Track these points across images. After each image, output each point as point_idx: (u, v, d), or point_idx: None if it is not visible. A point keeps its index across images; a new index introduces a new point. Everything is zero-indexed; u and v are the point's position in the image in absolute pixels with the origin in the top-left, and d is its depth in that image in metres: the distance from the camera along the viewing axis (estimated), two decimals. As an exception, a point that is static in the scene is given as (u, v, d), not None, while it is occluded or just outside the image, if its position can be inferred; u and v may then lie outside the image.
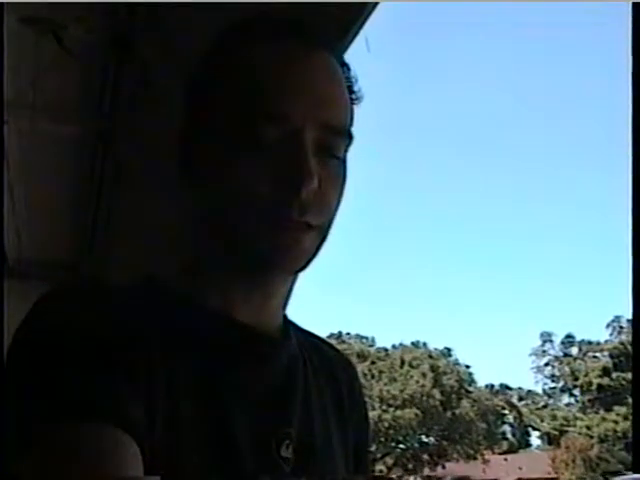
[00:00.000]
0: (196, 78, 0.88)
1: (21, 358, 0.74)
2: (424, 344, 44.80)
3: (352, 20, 1.43)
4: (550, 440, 43.75)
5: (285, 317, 0.96)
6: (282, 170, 0.79)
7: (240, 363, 0.86)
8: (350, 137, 0.86)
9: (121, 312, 0.78)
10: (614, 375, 41.87)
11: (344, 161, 0.87)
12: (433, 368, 39.20)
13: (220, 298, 0.87)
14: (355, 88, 0.89)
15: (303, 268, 0.86)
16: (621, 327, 44.61)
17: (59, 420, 0.66)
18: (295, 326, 0.99)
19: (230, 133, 0.82)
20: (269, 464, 0.83)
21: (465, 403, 39.01)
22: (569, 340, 49.25)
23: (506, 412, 48.55)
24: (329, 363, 1.02)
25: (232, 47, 0.86)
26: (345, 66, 0.89)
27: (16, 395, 0.71)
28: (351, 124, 0.88)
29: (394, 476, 35.78)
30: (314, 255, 0.86)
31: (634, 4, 1.02)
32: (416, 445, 38.77)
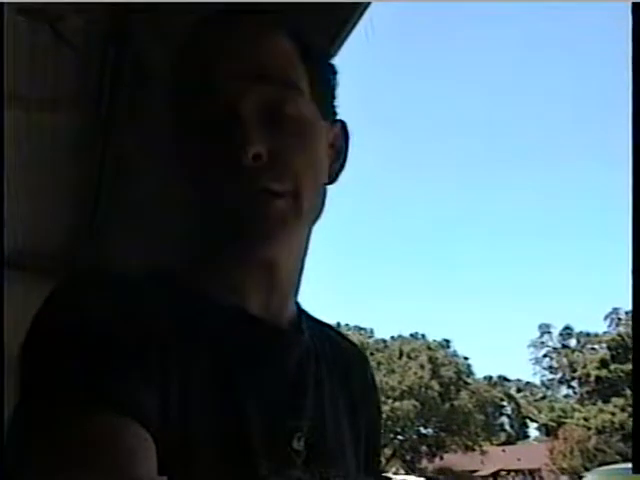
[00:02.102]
0: (172, 69, 0.90)
1: (37, 350, 0.74)
2: (423, 336, 44.94)
3: (348, 13, 1.43)
4: (548, 431, 43.90)
5: (298, 307, 0.95)
6: (225, 141, 0.80)
7: (252, 356, 0.85)
8: (299, 90, 0.85)
9: (135, 305, 0.78)
10: (612, 367, 41.98)
11: (309, 120, 0.86)
12: (431, 359, 39.34)
13: (229, 288, 0.86)
14: (317, 51, 0.90)
15: (282, 233, 0.83)
16: (619, 319, 44.72)
17: (74, 411, 0.66)
18: (308, 316, 0.98)
19: (186, 115, 0.84)
20: (281, 457, 0.83)
21: (463, 394, 39.17)
22: (567, 332, 49.38)
23: (504, 403, 48.75)
24: (342, 355, 1.01)
25: (188, 36, 0.88)
26: (297, 31, 0.88)
27: (31, 387, 0.71)
28: (321, 83, 0.88)
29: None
30: (298, 223, 0.85)
31: (634, 4, 1.01)
32: (414, 436, 38.94)
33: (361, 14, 1.47)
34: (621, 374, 40.08)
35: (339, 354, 1.01)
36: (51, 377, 0.70)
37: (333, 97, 0.92)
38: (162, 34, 1.83)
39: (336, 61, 1.00)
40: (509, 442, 46.36)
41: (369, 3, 1.44)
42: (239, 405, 0.81)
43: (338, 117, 0.94)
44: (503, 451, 41.99)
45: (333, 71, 0.93)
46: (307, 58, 0.87)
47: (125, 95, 2.24)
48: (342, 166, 0.93)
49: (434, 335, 46.08)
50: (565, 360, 47.69)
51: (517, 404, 49.11)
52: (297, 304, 0.95)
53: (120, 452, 0.65)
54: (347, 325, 49.28)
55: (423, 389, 37.68)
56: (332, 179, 0.92)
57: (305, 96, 0.85)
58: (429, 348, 41.57)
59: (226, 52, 0.83)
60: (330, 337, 1.02)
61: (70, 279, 0.83)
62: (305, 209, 0.84)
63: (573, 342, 48.95)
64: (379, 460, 1.09)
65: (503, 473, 40.02)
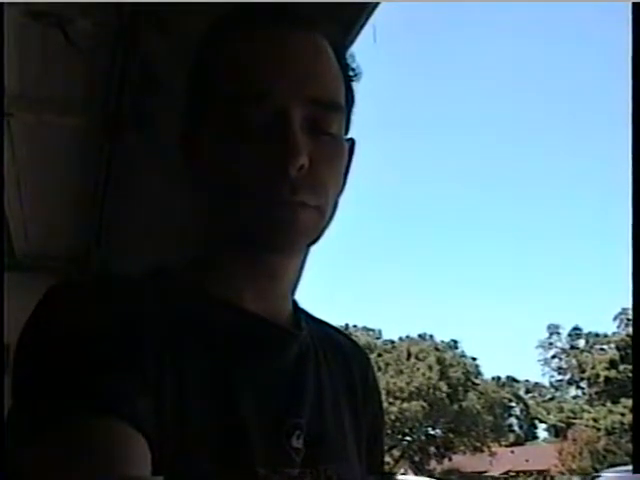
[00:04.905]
0: (191, 68, 0.90)
1: (30, 351, 0.74)
2: (431, 336, 44.87)
3: (355, 14, 1.43)
4: (557, 432, 43.77)
5: (296, 305, 0.95)
6: (269, 150, 0.79)
7: (250, 353, 0.85)
8: (343, 111, 0.86)
9: (129, 305, 0.78)
10: (621, 367, 41.84)
11: (342, 138, 0.88)
12: (440, 360, 39.22)
13: (227, 287, 0.86)
14: (351, 65, 0.90)
15: (301, 246, 0.86)
16: (628, 319, 44.45)
17: (68, 413, 0.66)
18: (307, 315, 0.98)
19: (220, 119, 0.82)
20: (280, 455, 0.83)
21: (472, 395, 39.05)
22: (576, 332, 49.22)
23: (513, 404, 48.60)
24: (342, 353, 1.01)
25: (218, 37, 0.87)
26: (337, 45, 0.89)
27: (24, 388, 0.71)
28: (351, 101, 0.89)
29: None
30: (316, 236, 0.86)
31: (634, 4, 1.01)
32: (423, 437, 38.82)
33: (368, 16, 1.47)
34: (630, 375, 39.81)
35: (339, 352, 1.01)
36: (43, 379, 0.69)
37: (351, 115, 0.92)
38: (171, 36, 1.84)
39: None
40: (518, 443, 46.18)
41: (377, 4, 1.45)
42: (237, 404, 0.81)
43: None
44: (512, 452, 41.83)
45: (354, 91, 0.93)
46: (345, 77, 0.88)
47: (133, 98, 2.25)
48: (345, 182, 0.93)
49: (442, 336, 46.05)
50: (574, 361, 47.53)
51: (526, 405, 48.97)
52: (295, 303, 0.95)
53: (112, 453, 0.64)
54: (355, 326, 49.25)
55: (431, 390, 37.57)
56: None
57: (343, 115, 0.87)
58: (437, 349, 41.46)
59: (281, 64, 0.82)
60: (330, 335, 1.02)
61: (65, 281, 0.82)
62: (326, 222, 0.86)
63: (582, 343, 48.77)
64: (382, 460, 1.09)
65: (512, 474, 39.88)
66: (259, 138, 0.80)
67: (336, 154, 0.86)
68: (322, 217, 0.85)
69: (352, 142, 0.94)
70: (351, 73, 0.90)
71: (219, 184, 0.83)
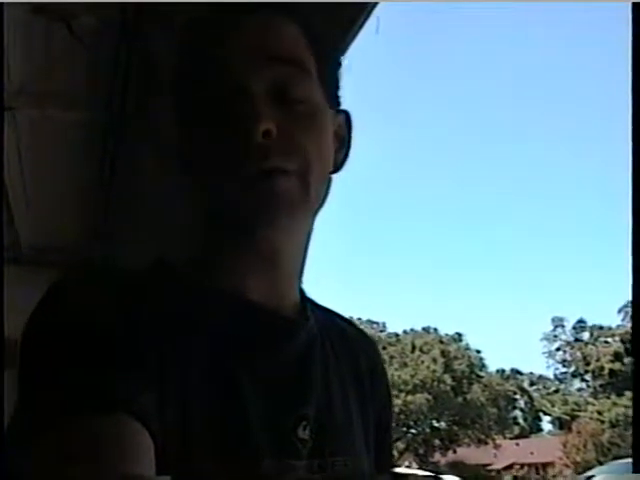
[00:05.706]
0: (179, 50, 0.91)
1: (34, 347, 0.74)
2: (435, 329, 44.84)
3: (354, 14, 1.44)
4: (561, 425, 43.71)
5: (303, 294, 0.94)
6: (234, 119, 0.80)
7: (255, 344, 0.85)
8: (310, 75, 0.86)
9: (132, 299, 0.78)
10: (626, 360, 41.72)
11: (317, 104, 0.87)
12: (444, 353, 39.24)
13: (230, 279, 0.86)
14: (320, 41, 0.90)
15: (290, 216, 0.83)
16: (633, 312, 44.35)
17: (73, 410, 0.66)
18: (314, 303, 0.96)
19: (197, 105, 0.84)
20: (286, 446, 0.82)
21: (476, 388, 39.07)
22: (581, 325, 49.11)
23: (517, 397, 48.54)
24: (350, 341, 1.00)
25: (197, 35, 0.89)
26: (315, 33, 0.89)
27: (29, 385, 0.71)
28: (334, 74, 0.91)
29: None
30: (306, 206, 0.85)
31: (634, 4, 1.01)
32: (427, 430, 38.87)
33: (369, 13, 1.48)
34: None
35: (347, 342, 0.99)
36: (48, 375, 0.69)
37: (338, 87, 0.92)
38: (173, 32, 1.85)
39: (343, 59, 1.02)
40: (522, 435, 46.10)
41: (376, 3, 1.46)
42: (242, 395, 0.81)
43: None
44: (517, 445, 41.82)
45: (339, 62, 0.93)
46: (315, 45, 0.88)
47: (137, 94, 2.26)
48: (346, 156, 0.93)
49: (446, 329, 45.97)
50: (578, 353, 47.45)
51: (530, 397, 48.91)
52: (302, 291, 0.93)
53: (116, 449, 0.64)
54: (359, 319, 49.15)
55: (436, 383, 37.61)
56: (336, 168, 0.92)
57: (313, 79, 0.86)
58: (441, 342, 41.46)
59: (237, 32, 0.83)
60: (337, 325, 1.01)
61: (68, 275, 0.83)
62: (312, 192, 0.84)
63: (586, 335, 48.66)
64: (391, 452, 1.08)
65: (516, 467, 39.91)
66: (227, 112, 0.81)
67: (309, 118, 0.85)
68: (305, 183, 0.83)
69: (346, 114, 0.93)
70: (328, 50, 0.91)
71: (208, 172, 0.83)
